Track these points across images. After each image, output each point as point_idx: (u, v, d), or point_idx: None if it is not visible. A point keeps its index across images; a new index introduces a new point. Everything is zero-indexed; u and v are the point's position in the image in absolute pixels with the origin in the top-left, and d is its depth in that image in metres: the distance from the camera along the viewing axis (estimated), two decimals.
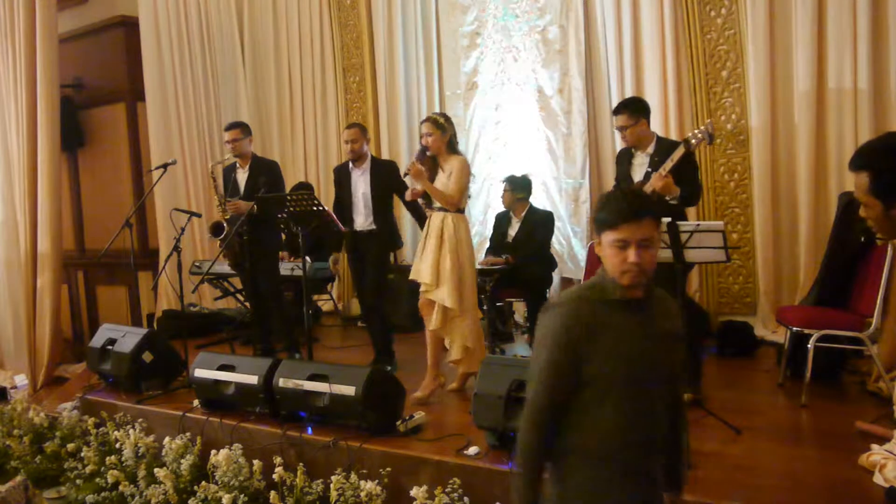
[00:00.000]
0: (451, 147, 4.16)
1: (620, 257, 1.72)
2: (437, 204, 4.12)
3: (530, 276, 5.18)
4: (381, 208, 4.83)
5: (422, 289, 4.11)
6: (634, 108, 3.93)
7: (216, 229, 5.09)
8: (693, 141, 3.75)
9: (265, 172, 5.05)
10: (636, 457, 1.78)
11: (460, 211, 4.13)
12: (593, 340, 1.74)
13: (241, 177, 5.14)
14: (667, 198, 3.76)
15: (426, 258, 4.09)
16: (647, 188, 3.81)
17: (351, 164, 4.92)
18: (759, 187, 5.14)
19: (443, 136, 4.10)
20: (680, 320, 1.90)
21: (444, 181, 4.12)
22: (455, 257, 4.02)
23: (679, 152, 3.74)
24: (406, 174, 4.17)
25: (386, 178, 4.85)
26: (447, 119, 4.20)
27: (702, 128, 3.85)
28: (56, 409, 4.87)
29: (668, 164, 3.73)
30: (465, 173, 4.10)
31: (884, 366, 3.71)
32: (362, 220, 4.81)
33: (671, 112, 5.40)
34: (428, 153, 4.15)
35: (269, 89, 7.60)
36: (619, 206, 1.73)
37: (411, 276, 4.21)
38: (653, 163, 3.87)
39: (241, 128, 5.11)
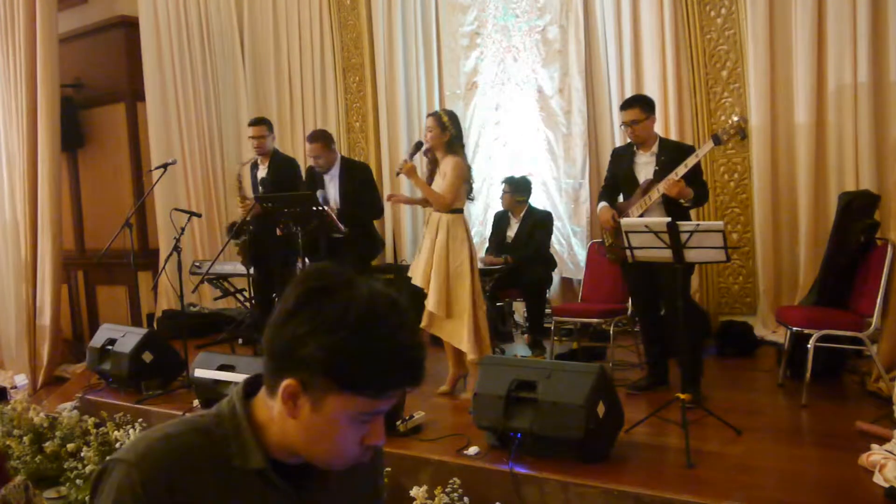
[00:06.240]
0: (451, 147, 4.03)
1: (356, 436, 1.05)
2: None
3: (530, 277, 5.18)
4: (354, 213, 4.72)
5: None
6: (646, 103, 3.90)
7: (231, 230, 5.09)
8: (724, 137, 3.67)
9: (280, 170, 5.00)
10: None
11: (457, 211, 4.06)
12: None
13: (262, 174, 5.10)
14: (681, 201, 3.74)
15: (420, 260, 4.10)
16: (656, 192, 3.77)
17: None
18: (759, 187, 5.13)
19: (442, 134, 3.99)
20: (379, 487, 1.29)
21: (438, 183, 4.06)
22: (442, 261, 3.96)
23: (707, 147, 3.69)
24: (399, 173, 4.12)
25: (357, 181, 4.76)
26: (452, 118, 4.06)
27: (732, 120, 3.70)
28: (56, 409, 4.87)
29: (692, 161, 3.66)
30: (458, 174, 3.98)
31: (884, 366, 3.70)
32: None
33: (671, 112, 5.39)
34: (424, 147, 4.09)
35: (269, 89, 7.58)
36: (404, 368, 1.03)
37: (409, 274, 4.21)
38: (659, 162, 3.81)
39: (267, 124, 5.01)
